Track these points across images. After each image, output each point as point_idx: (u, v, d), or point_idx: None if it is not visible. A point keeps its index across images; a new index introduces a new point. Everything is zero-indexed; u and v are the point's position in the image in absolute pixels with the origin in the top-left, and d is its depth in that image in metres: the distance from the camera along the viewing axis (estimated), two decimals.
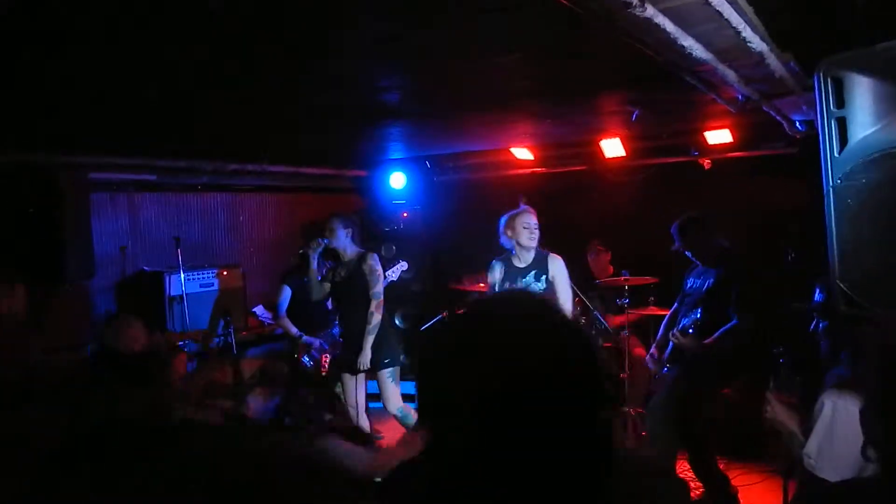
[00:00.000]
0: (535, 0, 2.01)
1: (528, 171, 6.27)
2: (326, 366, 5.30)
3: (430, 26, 2.32)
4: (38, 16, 1.98)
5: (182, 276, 5.11)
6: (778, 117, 3.83)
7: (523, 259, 4.17)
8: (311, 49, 2.57)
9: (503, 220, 4.20)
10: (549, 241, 5.00)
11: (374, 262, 4.64)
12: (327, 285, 4.82)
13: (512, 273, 4.20)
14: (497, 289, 4.26)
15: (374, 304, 4.58)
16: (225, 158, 5.25)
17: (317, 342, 5.26)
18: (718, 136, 5.10)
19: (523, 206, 4.24)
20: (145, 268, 5.29)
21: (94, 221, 4.49)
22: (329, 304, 5.56)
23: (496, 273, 4.25)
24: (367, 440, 5.67)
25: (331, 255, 4.93)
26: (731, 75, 2.65)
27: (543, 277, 4.12)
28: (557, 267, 4.14)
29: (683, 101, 3.92)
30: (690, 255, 4.05)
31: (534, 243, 4.09)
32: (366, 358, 4.54)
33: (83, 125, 3.87)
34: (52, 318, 4.14)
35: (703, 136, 5.16)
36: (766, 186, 5.09)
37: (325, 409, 6.36)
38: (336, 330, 5.34)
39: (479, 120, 4.61)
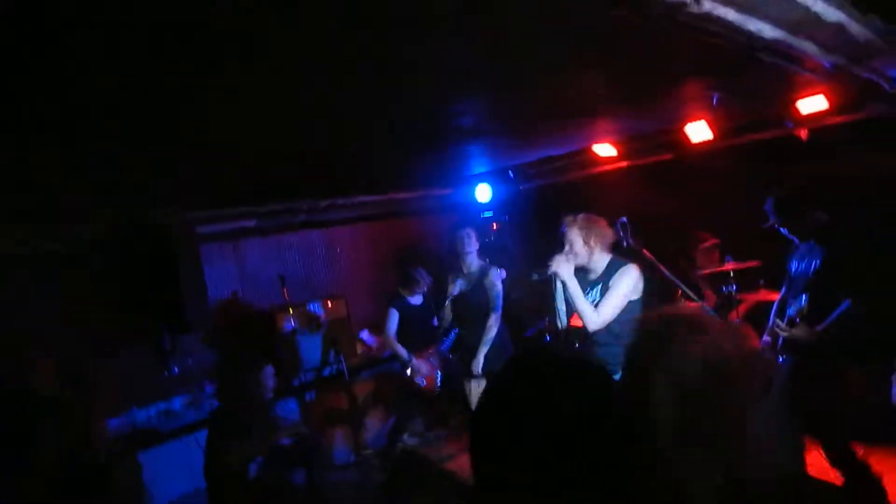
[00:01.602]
0: (594, 12, 2.01)
1: (612, 166, 6.15)
2: (438, 383, 5.42)
3: (500, 56, 2.36)
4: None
5: (290, 311, 5.39)
6: (874, 77, 3.57)
7: (592, 270, 3.73)
8: (389, 82, 2.66)
9: None
10: (643, 237, 4.90)
11: (495, 277, 4.86)
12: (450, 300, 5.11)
13: (584, 284, 3.73)
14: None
15: (493, 317, 4.83)
16: (318, 196, 5.51)
17: (425, 363, 5.40)
18: (812, 104, 4.79)
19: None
20: (256, 307, 5.62)
21: (206, 270, 4.84)
22: (435, 321, 5.71)
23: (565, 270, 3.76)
24: None
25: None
26: (810, 47, 2.53)
27: (599, 288, 3.69)
28: (618, 278, 3.58)
29: (767, 77, 3.73)
30: (786, 232, 3.80)
31: (578, 259, 3.66)
32: (478, 364, 4.79)
33: (189, 181, 4.20)
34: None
35: (796, 107, 4.88)
36: (876, 152, 4.72)
37: (440, 425, 6.50)
38: (445, 346, 5.46)
39: (559, 128, 4.59)
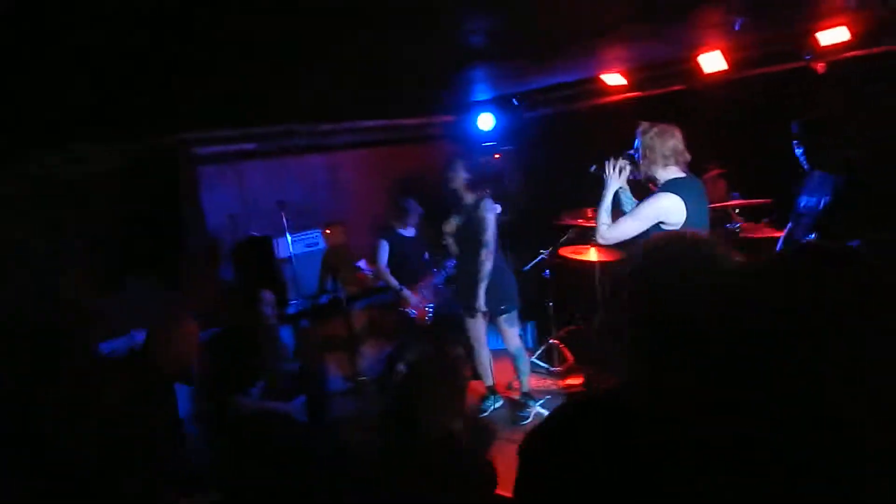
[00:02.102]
0: None
1: (622, 96, 5.99)
2: (430, 315, 5.42)
3: None
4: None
5: (289, 238, 5.32)
6: None
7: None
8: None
9: None
10: None
11: (487, 210, 4.71)
12: (451, 229, 5.00)
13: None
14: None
15: (483, 252, 4.67)
16: (321, 118, 5.35)
17: (414, 298, 5.38)
18: (833, 36, 4.62)
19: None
20: (254, 233, 5.54)
21: (204, 193, 4.73)
22: (427, 254, 5.67)
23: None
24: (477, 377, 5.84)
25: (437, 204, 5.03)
26: None
27: None
28: (653, 197, 3.38)
29: (792, 2, 3.58)
30: (802, 155, 3.70)
31: (637, 165, 3.55)
32: (479, 303, 4.71)
33: (187, 101, 4.04)
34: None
35: (815, 38, 4.71)
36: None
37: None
38: (439, 278, 5.44)
39: (569, 52, 4.42)
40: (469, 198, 4.80)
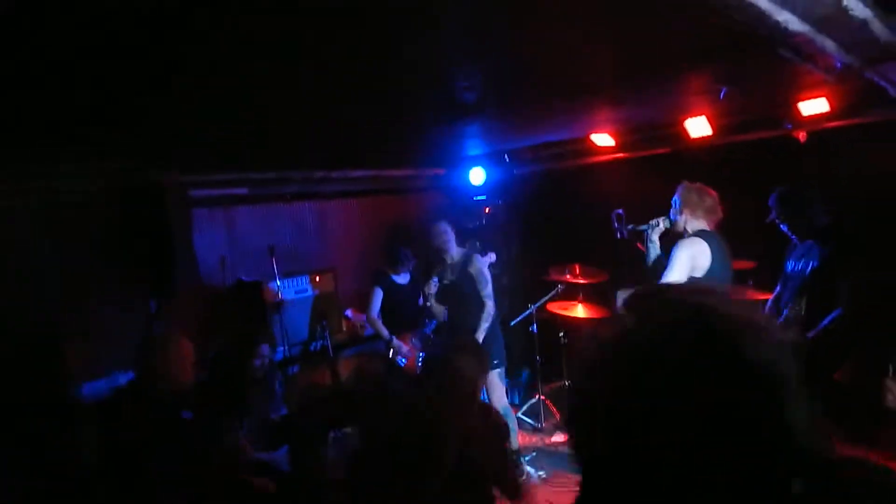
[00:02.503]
0: None
1: (610, 157, 6.13)
2: (419, 364, 5.39)
3: (505, 19, 2.31)
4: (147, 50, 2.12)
5: (278, 283, 5.33)
6: (882, 82, 3.58)
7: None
8: (389, 51, 2.61)
9: None
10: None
11: (480, 264, 4.80)
12: (434, 287, 5.03)
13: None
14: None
15: (489, 304, 4.77)
16: (311, 167, 5.43)
17: (405, 347, 5.36)
18: (814, 106, 4.80)
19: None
20: (243, 277, 5.54)
21: (196, 235, 4.75)
22: (420, 300, 5.67)
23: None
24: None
25: (425, 258, 5.06)
26: (829, 45, 2.51)
27: None
28: (676, 249, 3.75)
29: (775, 74, 3.73)
30: (787, 229, 3.82)
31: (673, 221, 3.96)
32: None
33: (183, 143, 4.11)
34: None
35: (797, 108, 4.88)
36: (875, 155, 4.73)
37: None
38: (429, 329, 5.43)
39: (559, 110, 4.55)
40: (456, 254, 4.84)
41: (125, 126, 3.31)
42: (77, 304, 4.11)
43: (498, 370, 4.84)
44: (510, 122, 5.00)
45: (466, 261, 4.82)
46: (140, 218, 4.12)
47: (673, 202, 3.81)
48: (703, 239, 3.55)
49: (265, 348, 4.17)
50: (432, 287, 4.97)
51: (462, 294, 4.81)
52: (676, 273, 3.48)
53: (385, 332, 5.35)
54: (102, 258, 4.22)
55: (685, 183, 3.85)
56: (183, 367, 3.15)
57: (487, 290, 4.77)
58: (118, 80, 2.51)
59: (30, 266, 4.00)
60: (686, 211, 3.74)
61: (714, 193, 3.80)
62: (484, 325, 4.75)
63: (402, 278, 5.52)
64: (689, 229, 3.72)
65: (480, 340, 4.69)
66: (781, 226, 3.83)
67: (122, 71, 2.37)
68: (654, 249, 3.98)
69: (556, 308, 5.63)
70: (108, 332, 4.16)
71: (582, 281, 5.63)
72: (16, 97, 2.56)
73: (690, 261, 3.49)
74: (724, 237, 3.76)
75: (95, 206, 4.24)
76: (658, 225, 3.98)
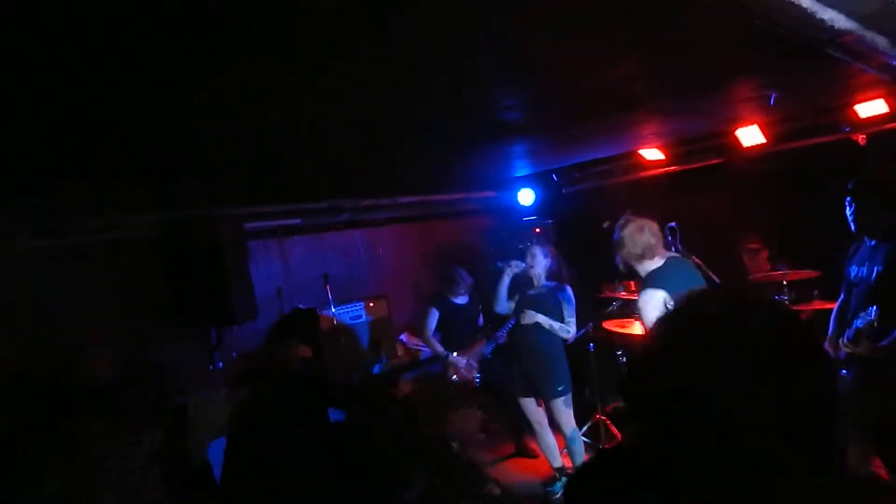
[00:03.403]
0: None
1: (660, 171, 6.04)
2: (477, 382, 5.37)
3: (543, 42, 2.32)
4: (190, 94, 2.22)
5: (333, 310, 5.42)
6: None
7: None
8: (433, 77, 2.66)
9: None
10: (691, 241, 4.80)
11: (571, 294, 4.82)
12: (512, 304, 4.95)
13: None
14: None
15: (572, 330, 4.77)
16: (361, 195, 5.54)
17: (463, 361, 5.35)
18: (872, 108, 4.65)
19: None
20: (300, 306, 5.66)
21: (251, 267, 4.89)
22: (480, 321, 5.67)
23: None
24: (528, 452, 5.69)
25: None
26: (881, 42, 2.43)
27: None
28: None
29: (827, 76, 3.62)
30: (856, 226, 3.57)
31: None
32: (564, 385, 4.79)
33: (235, 178, 4.27)
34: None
35: (854, 110, 4.73)
36: None
37: (480, 430, 6.43)
38: (487, 349, 5.41)
39: (605, 127, 4.52)
40: (546, 284, 4.83)
41: (181, 162, 3.46)
42: (138, 339, 4.27)
43: (563, 397, 4.76)
44: (556, 140, 5.00)
45: (558, 289, 4.81)
46: (197, 251, 4.27)
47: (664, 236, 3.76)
48: (655, 287, 3.36)
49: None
50: (504, 284, 4.93)
51: (540, 310, 4.76)
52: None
53: (440, 349, 5.37)
54: (162, 293, 4.39)
55: (618, 226, 3.66)
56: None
57: (573, 318, 4.76)
58: (172, 115, 2.63)
59: (90, 305, 4.18)
60: (629, 260, 3.58)
61: (654, 225, 3.61)
62: (559, 351, 4.81)
63: (461, 299, 5.54)
64: (642, 273, 3.55)
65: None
66: (847, 209, 3.57)
67: (177, 105, 2.49)
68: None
69: (611, 326, 5.53)
70: (170, 364, 4.32)
71: (637, 297, 5.52)
72: (81, 139, 2.71)
73: (659, 309, 3.29)
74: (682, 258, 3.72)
75: (153, 242, 4.42)
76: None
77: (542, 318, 4.69)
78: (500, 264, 4.98)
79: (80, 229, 4.14)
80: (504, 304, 4.96)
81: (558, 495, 4.89)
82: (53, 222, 4.05)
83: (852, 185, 3.58)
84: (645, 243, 3.53)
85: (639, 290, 3.55)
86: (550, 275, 4.87)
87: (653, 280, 3.45)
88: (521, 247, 5.05)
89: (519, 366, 4.89)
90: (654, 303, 3.31)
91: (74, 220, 4.12)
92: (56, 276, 4.14)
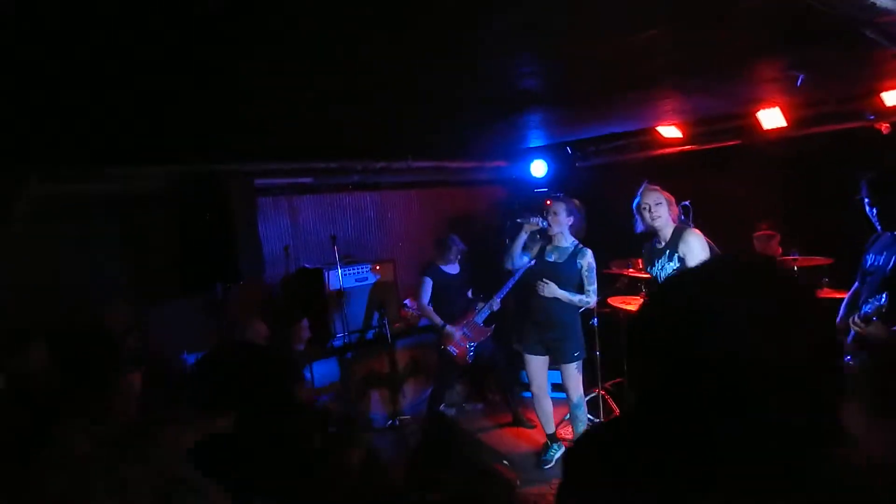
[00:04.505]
0: None
1: (677, 149, 5.95)
2: (470, 354, 5.38)
3: (563, 5, 2.25)
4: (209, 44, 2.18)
5: (339, 271, 5.42)
6: None
7: (662, 238, 4.11)
8: (451, 41, 2.60)
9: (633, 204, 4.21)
10: (706, 223, 4.74)
11: (592, 259, 4.72)
12: (526, 258, 4.88)
13: (653, 255, 4.17)
14: (649, 272, 4.30)
15: (593, 299, 4.77)
16: (373, 158, 5.49)
17: (458, 333, 5.35)
18: None
19: (643, 186, 4.21)
20: (306, 265, 5.66)
21: (260, 224, 4.88)
22: (470, 293, 5.66)
23: (644, 256, 4.34)
24: (520, 422, 5.73)
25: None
26: None
27: (675, 256, 4.00)
28: (689, 245, 3.96)
29: (858, 59, 3.53)
30: (875, 216, 3.52)
31: (657, 222, 4.04)
32: (580, 351, 4.83)
33: (248, 135, 4.22)
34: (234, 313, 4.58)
35: (880, 98, 4.62)
36: None
37: (477, 398, 6.49)
38: (480, 318, 5.39)
39: (623, 100, 4.44)
40: (567, 241, 4.77)
41: (191, 117, 3.42)
42: (143, 291, 4.28)
43: (577, 362, 4.77)
44: (573, 112, 4.92)
45: (577, 252, 4.74)
46: (206, 206, 4.24)
47: (657, 204, 4.06)
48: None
49: (304, 323, 4.28)
50: (520, 242, 4.82)
51: (557, 279, 4.67)
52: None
53: (438, 319, 5.36)
54: (169, 248, 4.39)
55: (650, 185, 4.18)
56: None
57: (594, 286, 4.70)
58: (182, 72, 2.58)
59: (99, 254, 4.18)
60: (671, 209, 4.08)
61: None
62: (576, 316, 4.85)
63: (452, 268, 5.52)
64: (669, 226, 4.07)
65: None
66: (870, 211, 3.54)
67: (187, 61, 2.44)
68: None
69: (617, 302, 5.52)
70: (175, 317, 4.33)
71: (644, 275, 5.50)
72: (90, 95, 2.67)
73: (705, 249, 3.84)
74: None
75: (163, 195, 4.41)
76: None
77: (561, 294, 4.62)
78: (519, 220, 4.88)
79: (88, 179, 4.11)
80: (518, 261, 4.85)
81: (552, 464, 4.94)
82: (61, 171, 4.03)
83: (866, 186, 3.53)
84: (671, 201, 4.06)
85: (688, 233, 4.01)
86: (576, 232, 4.80)
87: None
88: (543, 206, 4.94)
89: (535, 328, 4.85)
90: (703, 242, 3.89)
91: (82, 170, 4.10)
92: (61, 227, 4.14)
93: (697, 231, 3.99)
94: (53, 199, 4.03)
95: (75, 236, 4.23)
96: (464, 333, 5.37)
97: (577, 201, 4.95)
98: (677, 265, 3.94)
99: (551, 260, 4.76)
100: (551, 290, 4.63)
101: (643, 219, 4.09)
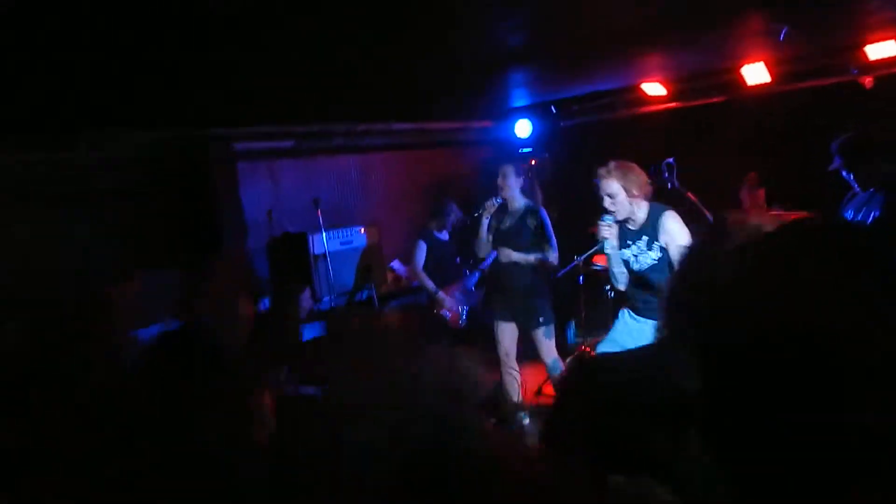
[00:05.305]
0: None
1: (661, 107, 5.92)
2: (463, 317, 5.41)
3: None
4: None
5: (324, 235, 5.38)
6: None
7: (634, 220, 3.58)
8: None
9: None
10: (691, 179, 4.75)
11: (544, 216, 4.70)
12: (489, 246, 4.88)
13: (626, 235, 3.67)
14: (615, 251, 3.72)
15: (553, 255, 4.70)
16: (355, 119, 5.41)
17: (449, 300, 5.37)
18: (883, 50, 4.52)
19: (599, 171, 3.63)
20: (290, 229, 5.61)
21: (241, 189, 4.82)
22: (458, 259, 5.67)
23: (613, 233, 3.67)
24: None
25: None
26: None
27: (656, 245, 3.54)
28: (670, 234, 3.46)
29: (842, 11, 3.50)
30: (851, 179, 3.61)
31: (619, 214, 3.54)
32: (546, 314, 4.78)
33: (226, 98, 4.13)
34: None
35: (864, 52, 4.60)
36: None
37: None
38: (470, 282, 5.42)
39: (607, 58, 4.39)
40: (519, 203, 4.77)
41: (166, 81, 3.33)
42: (123, 259, 4.23)
43: (543, 327, 4.79)
44: (557, 69, 4.86)
45: (528, 211, 4.74)
46: (183, 171, 4.18)
47: (610, 193, 3.47)
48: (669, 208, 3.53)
49: (307, 293, 4.25)
50: (484, 227, 4.79)
51: (517, 243, 4.72)
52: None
53: (431, 284, 5.36)
54: (149, 214, 4.32)
55: (604, 168, 3.55)
56: (243, 320, 3.19)
57: (552, 240, 4.69)
58: (158, 35, 2.51)
59: (78, 222, 4.11)
60: (635, 191, 3.46)
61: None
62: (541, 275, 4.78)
63: (443, 234, 5.52)
64: (641, 207, 3.52)
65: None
66: (844, 174, 3.62)
67: (163, 25, 2.37)
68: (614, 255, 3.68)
69: (602, 261, 5.55)
70: (156, 284, 4.28)
71: None
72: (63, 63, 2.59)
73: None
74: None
75: (141, 161, 4.32)
76: (607, 228, 3.57)
77: (517, 256, 4.65)
78: (476, 213, 4.90)
79: (58, 147, 4.01)
80: (486, 247, 4.87)
81: (518, 425, 5.00)
82: (40, 139, 3.93)
83: (838, 149, 3.58)
84: (640, 178, 3.52)
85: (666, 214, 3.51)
86: (524, 192, 4.81)
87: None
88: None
89: (501, 295, 4.89)
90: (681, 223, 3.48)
91: (54, 137, 4.01)
92: (34, 196, 4.05)
93: (672, 211, 3.52)
94: (25, 165, 3.94)
95: (45, 207, 4.13)
96: (456, 297, 5.40)
97: (524, 165, 4.95)
98: (660, 255, 3.53)
99: (506, 226, 4.77)
100: (506, 254, 4.66)
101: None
